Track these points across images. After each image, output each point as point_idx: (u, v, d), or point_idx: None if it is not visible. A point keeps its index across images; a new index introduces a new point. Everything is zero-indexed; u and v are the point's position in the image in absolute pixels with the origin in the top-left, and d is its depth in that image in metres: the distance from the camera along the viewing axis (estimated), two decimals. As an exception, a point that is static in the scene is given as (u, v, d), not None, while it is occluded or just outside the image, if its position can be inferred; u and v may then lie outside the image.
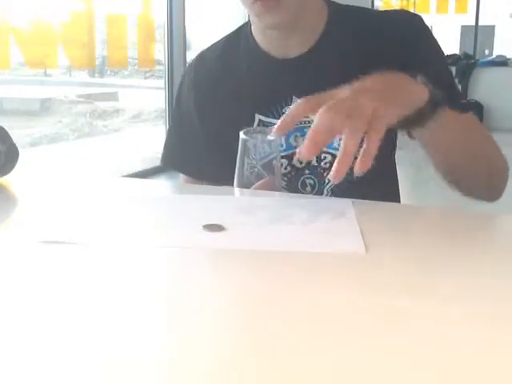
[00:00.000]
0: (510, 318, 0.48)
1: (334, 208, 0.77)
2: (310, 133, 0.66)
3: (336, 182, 0.66)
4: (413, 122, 0.77)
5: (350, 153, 0.66)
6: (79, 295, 0.51)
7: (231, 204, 0.80)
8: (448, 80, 1.02)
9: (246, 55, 1.06)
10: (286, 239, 0.66)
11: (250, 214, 0.74)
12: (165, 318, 0.49)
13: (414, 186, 3.99)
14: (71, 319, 0.46)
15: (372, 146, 0.68)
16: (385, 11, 1.09)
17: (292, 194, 0.97)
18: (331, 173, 0.66)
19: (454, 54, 8.19)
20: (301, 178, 1.03)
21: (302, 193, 1.03)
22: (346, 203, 0.78)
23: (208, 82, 1.09)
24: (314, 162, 1.02)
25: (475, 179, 0.96)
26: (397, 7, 10.57)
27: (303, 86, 1.00)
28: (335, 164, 0.66)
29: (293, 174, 1.01)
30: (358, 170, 0.68)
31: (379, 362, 0.40)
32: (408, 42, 0.97)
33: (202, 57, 1.14)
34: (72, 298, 0.51)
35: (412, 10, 10.43)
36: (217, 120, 1.07)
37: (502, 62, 7.65)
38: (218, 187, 0.90)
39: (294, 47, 1.01)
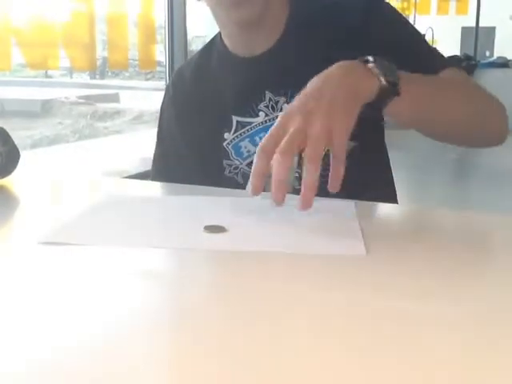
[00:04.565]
0: (510, 319, 0.48)
1: (335, 209, 0.77)
2: (273, 184, 0.66)
3: (304, 210, 0.67)
4: (373, 106, 0.75)
5: (312, 186, 0.66)
6: (79, 297, 0.51)
7: (232, 205, 0.80)
8: (417, 42, 1.00)
9: (218, 61, 1.08)
10: (288, 241, 0.66)
11: (252, 215, 0.74)
12: (165, 319, 0.49)
13: (412, 188, 3.99)
14: (71, 321, 0.46)
15: (338, 171, 0.69)
16: None
17: (293, 196, 0.97)
18: (299, 203, 0.67)
19: (455, 56, 8.20)
20: None
21: (293, 187, 1.03)
22: (347, 205, 0.78)
23: (185, 96, 1.11)
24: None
25: (469, 134, 0.93)
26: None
27: (274, 80, 1.01)
28: (301, 196, 0.67)
29: None
30: (331, 189, 0.70)
31: (379, 363, 0.40)
32: (363, 21, 0.97)
33: (179, 73, 1.16)
34: (72, 299, 0.51)
35: (412, 11, 10.45)
36: (197, 131, 1.09)
37: (502, 64, 7.65)
38: (220, 189, 0.90)
39: (259, 45, 1.02)
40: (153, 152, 1.16)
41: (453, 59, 0.97)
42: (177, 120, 1.11)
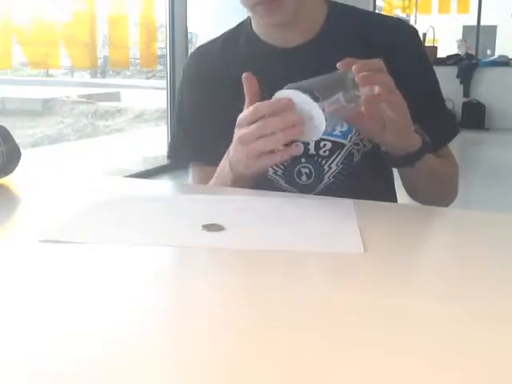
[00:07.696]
0: (509, 316, 0.48)
1: (334, 208, 0.78)
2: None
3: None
4: (404, 161, 0.92)
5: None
6: (79, 295, 0.52)
7: (231, 204, 0.80)
8: (436, 95, 1.09)
9: (247, 47, 1.09)
10: (286, 239, 0.67)
11: (250, 213, 0.75)
12: (164, 317, 0.49)
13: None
14: (71, 319, 0.47)
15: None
16: (382, 15, 1.15)
17: (293, 194, 0.97)
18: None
19: (456, 54, 8.19)
20: (296, 168, 1.04)
21: (298, 182, 1.03)
22: (346, 203, 0.79)
23: (210, 75, 1.11)
24: (312, 151, 1.02)
25: (430, 197, 1.07)
26: (398, 8, 10.57)
27: (302, 73, 1.02)
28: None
29: (289, 162, 1.02)
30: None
31: (378, 361, 0.40)
32: (398, 48, 1.02)
33: (201, 50, 1.16)
34: (72, 297, 0.51)
35: (414, 10, 10.42)
36: (222, 108, 1.08)
37: (503, 62, 7.65)
38: (221, 188, 0.90)
39: (294, 39, 1.05)
40: (170, 135, 1.16)
41: (453, 122, 1.13)
42: (200, 98, 1.11)
